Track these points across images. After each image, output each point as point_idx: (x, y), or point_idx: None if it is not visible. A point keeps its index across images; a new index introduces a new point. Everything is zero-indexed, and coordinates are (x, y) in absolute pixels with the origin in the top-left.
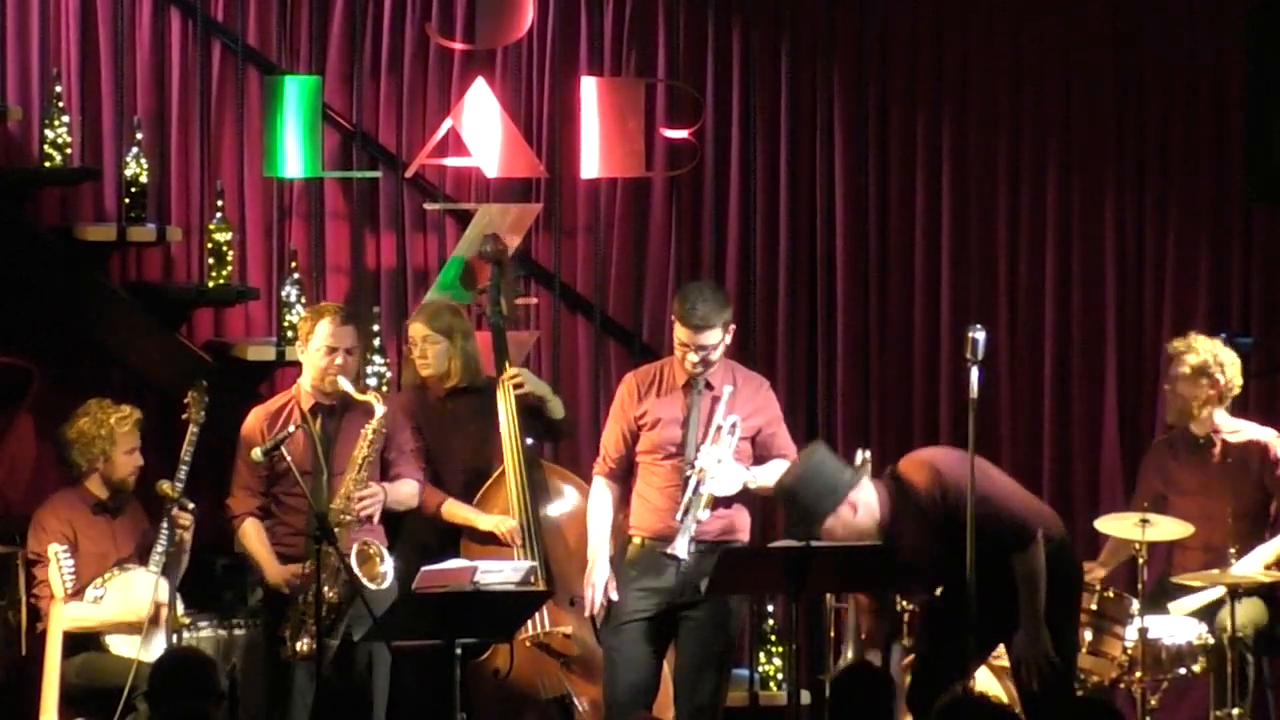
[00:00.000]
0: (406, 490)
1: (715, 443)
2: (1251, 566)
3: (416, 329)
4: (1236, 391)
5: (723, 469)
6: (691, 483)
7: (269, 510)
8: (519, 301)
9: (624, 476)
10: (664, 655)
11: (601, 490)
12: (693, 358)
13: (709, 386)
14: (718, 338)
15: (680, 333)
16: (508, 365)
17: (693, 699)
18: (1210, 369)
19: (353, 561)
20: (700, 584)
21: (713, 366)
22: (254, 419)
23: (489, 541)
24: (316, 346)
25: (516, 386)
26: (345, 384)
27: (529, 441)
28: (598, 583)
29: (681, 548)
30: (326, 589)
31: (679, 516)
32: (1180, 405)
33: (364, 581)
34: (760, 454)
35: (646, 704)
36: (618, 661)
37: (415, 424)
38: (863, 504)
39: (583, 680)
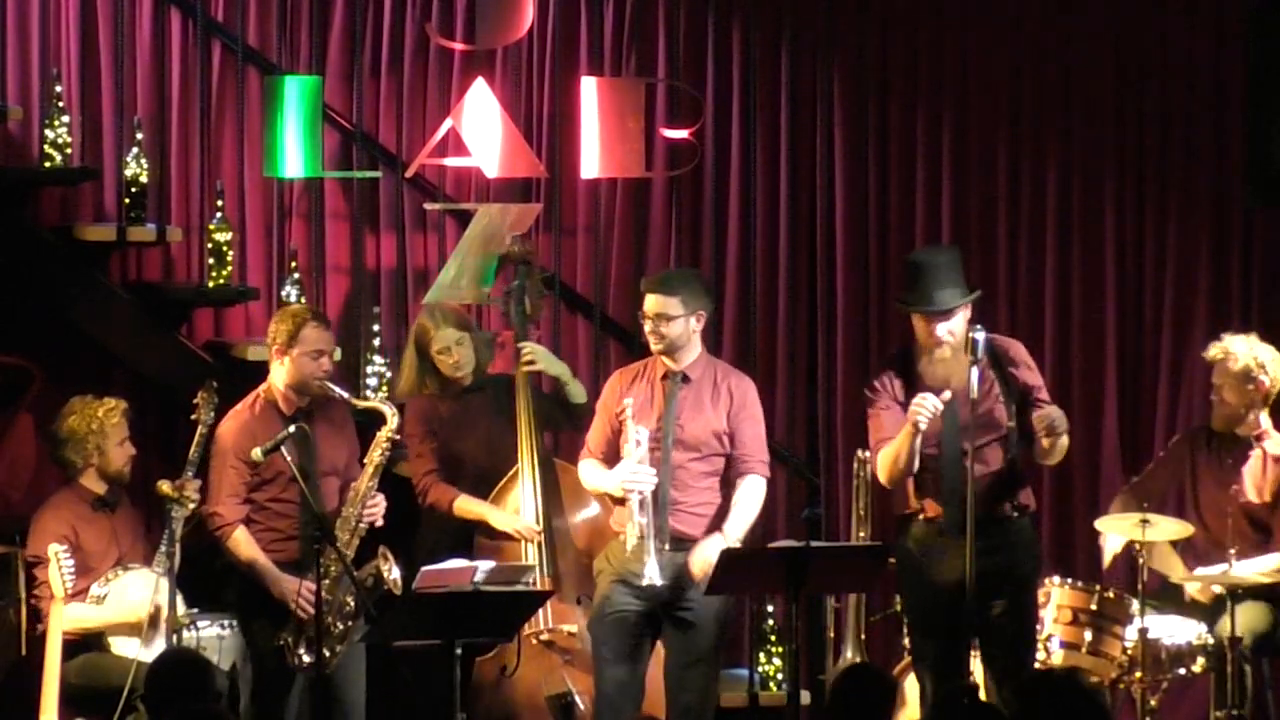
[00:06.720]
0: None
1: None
2: (1254, 569)
3: (447, 335)
4: (1277, 391)
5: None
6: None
7: (249, 517)
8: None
9: (610, 464)
10: (651, 651)
11: (592, 461)
12: (647, 326)
13: (686, 380)
14: (675, 310)
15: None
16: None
17: (680, 698)
18: (1254, 373)
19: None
20: (682, 580)
21: (668, 344)
22: (233, 425)
23: (501, 538)
24: (304, 350)
25: (528, 363)
26: (336, 389)
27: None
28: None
29: (654, 573)
30: (343, 595)
31: (631, 543)
32: (1228, 412)
33: (387, 581)
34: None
35: (634, 699)
36: (605, 655)
37: (431, 428)
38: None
39: (585, 677)
